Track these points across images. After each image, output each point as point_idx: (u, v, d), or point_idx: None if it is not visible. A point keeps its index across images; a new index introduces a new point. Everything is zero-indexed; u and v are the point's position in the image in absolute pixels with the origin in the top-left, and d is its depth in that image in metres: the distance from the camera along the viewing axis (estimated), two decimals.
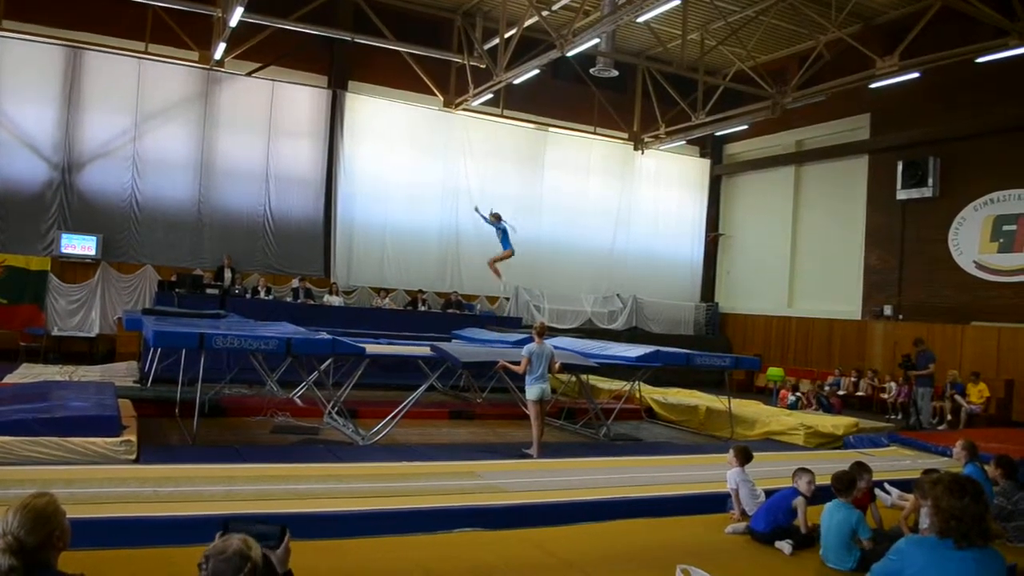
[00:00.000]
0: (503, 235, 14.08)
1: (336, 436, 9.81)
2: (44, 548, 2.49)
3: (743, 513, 5.84)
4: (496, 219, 14.04)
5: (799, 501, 5.31)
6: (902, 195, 18.29)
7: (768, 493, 5.84)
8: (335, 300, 17.23)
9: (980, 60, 14.81)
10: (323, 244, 18.72)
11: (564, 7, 17.28)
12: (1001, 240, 16.58)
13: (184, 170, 17.41)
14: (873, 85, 16.67)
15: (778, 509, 5.39)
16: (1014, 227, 16.38)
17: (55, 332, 15.93)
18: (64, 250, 16.01)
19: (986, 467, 6.15)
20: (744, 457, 6.04)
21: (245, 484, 6.21)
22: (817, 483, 5.45)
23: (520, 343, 11.41)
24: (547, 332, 10.30)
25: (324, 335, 9.92)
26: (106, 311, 16.38)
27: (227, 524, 2.61)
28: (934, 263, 17.77)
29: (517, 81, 17.71)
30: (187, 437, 8.78)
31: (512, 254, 14.33)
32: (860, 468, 5.60)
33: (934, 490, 3.19)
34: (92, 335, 16.25)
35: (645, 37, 19.49)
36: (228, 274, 16.49)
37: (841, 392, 17.17)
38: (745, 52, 18.43)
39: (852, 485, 5.16)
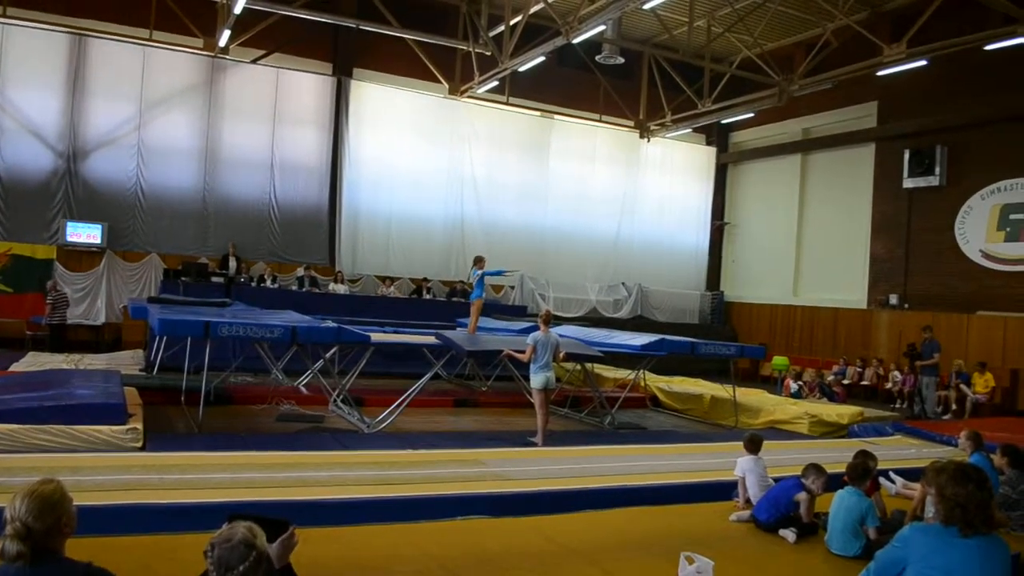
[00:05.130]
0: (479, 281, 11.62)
1: (341, 424, 9.84)
2: (52, 534, 2.50)
3: (747, 501, 5.84)
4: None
5: (803, 497, 5.30)
6: (909, 184, 18.21)
7: (774, 481, 5.85)
8: (340, 288, 17.24)
9: (989, 48, 14.70)
10: (328, 232, 18.73)
11: None
12: (1008, 229, 16.50)
13: (189, 158, 17.42)
14: (880, 73, 16.56)
15: (780, 500, 5.39)
16: (1021, 216, 16.29)
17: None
18: (70, 238, 16.04)
19: (992, 456, 6.14)
20: (753, 445, 6.03)
21: (250, 472, 6.23)
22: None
23: (525, 331, 11.40)
24: (552, 320, 10.29)
25: (329, 323, 9.94)
26: (112, 299, 16.43)
27: (231, 518, 2.60)
28: (940, 252, 17.70)
29: (522, 68, 17.65)
30: (193, 425, 8.81)
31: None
32: (864, 456, 5.60)
33: (938, 478, 3.18)
34: (98, 323, 16.31)
35: (651, 24, 19.38)
36: (233, 262, 16.52)
37: (846, 381, 17.16)
38: (752, 39, 18.31)
39: (866, 475, 5.17)
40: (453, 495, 5.98)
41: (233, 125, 17.78)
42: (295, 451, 7.35)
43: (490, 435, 9.81)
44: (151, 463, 6.34)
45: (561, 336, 10.38)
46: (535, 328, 9.88)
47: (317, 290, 16.83)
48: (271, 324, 9.16)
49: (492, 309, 16.77)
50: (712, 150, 23.94)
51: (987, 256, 16.83)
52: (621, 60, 18.91)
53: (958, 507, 3.07)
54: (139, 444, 7.23)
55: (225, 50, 17.10)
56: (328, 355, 10.92)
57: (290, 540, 2.75)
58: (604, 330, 14.13)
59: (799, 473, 5.53)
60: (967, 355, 15.84)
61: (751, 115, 20.97)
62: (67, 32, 16.28)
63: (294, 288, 16.65)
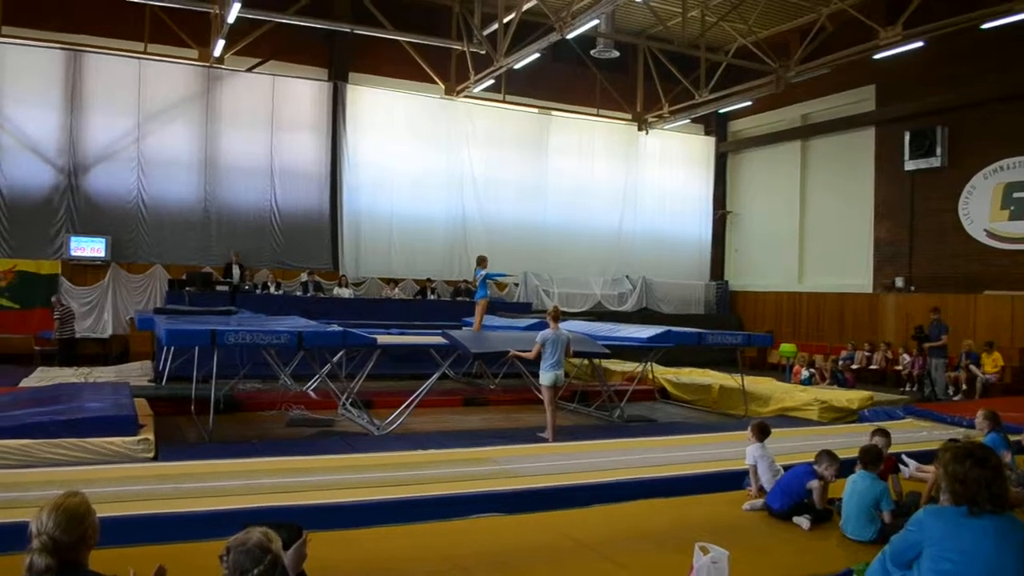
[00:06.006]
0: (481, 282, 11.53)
1: (351, 427, 9.87)
2: (78, 547, 2.52)
3: (760, 489, 5.83)
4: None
5: (815, 484, 5.29)
6: (910, 166, 18.14)
7: (785, 469, 5.84)
8: (345, 292, 17.26)
9: (985, 27, 14.61)
10: (330, 237, 18.75)
11: None
12: (1012, 208, 16.43)
13: (189, 169, 17.45)
14: (877, 56, 16.46)
15: (793, 487, 5.38)
16: None
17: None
18: (74, 253, 16.10)
19: (1020, 437, 6.14)
20: (761, 433, 6.02)
21: (263, 478, 6.24)
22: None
23: (531, 328, 11.38)
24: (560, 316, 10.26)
25: (335, 327, 9.95)
26: (118, 312, 16.47)
27: (246, 526, 2.61)
28: (945, 233, 17.64)
29: (518, 66, 17.61)
30: (203, 434, 8.83)
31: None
32: (880, 434, 5.60)
33: (943, 457, 3.20)
34: (105, 336, 16.35)
35: (645, 16, 19.35)
36: (237, 270, 16.53)
37: (855, 366, 17.13)
38: (746, 27, 18.27)
39: (879, 459, 5.15)
40: (465, 494, 5.99)
41: (231, 134, 17.81)
42: (307, 456, 7.37)
43: (500, 433, 9.81)
44: (164, 473, 6.36)
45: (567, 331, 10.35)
46: (540, 324, 9.86)
47: (321, 295, 16.86)
48: (277, 330, 9.17)
49: (497, 306, 16.75)
50: (711, 140, 23.89)
51: (992, 235, 16.76)
52: (616, 54, 18.87)
53: (958, 483, 3.08)
54: (151, 454, 7.26)
55: (220, 60, 17.11)
56: (335, 359, 10.95)
57: (303, 547, 2.75)
58: (610, 324, 14.11)
59: (811, 460, 5.52)
60: (975, 335, 15.79)
61: (749, 103, 20.90)
62: (62, 48, 16.32)
63: (298, 294, 16.67)
